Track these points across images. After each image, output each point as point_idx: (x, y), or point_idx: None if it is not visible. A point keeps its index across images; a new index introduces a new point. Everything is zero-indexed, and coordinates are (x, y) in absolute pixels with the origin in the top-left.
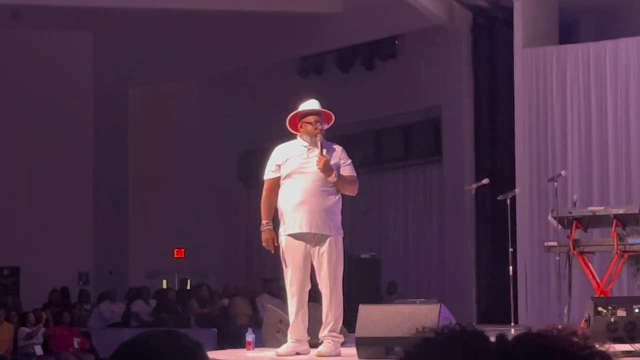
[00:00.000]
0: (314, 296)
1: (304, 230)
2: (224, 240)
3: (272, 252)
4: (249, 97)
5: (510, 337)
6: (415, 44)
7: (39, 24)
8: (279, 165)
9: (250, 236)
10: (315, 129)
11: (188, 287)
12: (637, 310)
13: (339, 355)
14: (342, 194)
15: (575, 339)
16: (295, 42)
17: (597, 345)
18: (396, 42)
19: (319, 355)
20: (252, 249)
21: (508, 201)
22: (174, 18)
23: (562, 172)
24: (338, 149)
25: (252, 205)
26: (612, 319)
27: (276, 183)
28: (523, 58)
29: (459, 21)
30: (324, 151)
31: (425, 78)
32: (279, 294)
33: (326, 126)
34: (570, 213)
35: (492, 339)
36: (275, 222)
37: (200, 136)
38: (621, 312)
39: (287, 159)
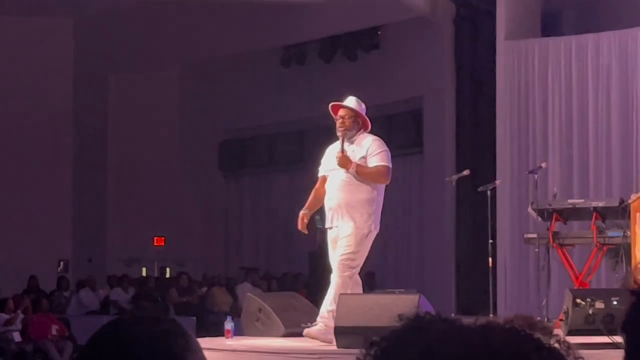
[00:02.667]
0: (294, 285)
1: (328, 226)
2: (203, 228)
3: (305, 232)
4: (230, 85)
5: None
6: (397, 35)
7: (20, 10)
8: (322, 164)
9: (230, 225)
10: (341, 125)
11: (167, 276)
12: (615, 303)
13: (329, 342)
14: (380, 190)
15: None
16: (277, 31)
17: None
18: (379, 32)
19: (307, 335)
20: (231, 238)
21: (488, 193)
22: (155, 5)
23: (543, 165)
24: (369, 140)
25: (232, 193)
26: (590, 311)
27: (321, 180)
28: (505, 50)
29: (442, 13)
30: (345, 146)
31: (407, 69)
32: (259, 283)
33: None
34: (550, 205)
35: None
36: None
37: (180, 124)
38: (599, 304)
39: (327, 157)
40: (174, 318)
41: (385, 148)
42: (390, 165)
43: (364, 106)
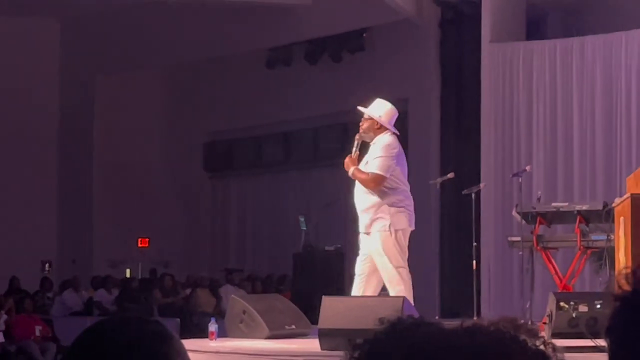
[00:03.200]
0: (279, 287)
1: (359, 231)
2: (188, 230)
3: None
4: (216, 87)
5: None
6: (383, 37)
7: (6, 11)
8: None
9: (214, 226)
10: (359, 128)
11: (151, 277)
12: (598, 306)
13: None
14: (404, 187)
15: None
16: (263, 33)
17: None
18: (364, 35)
19: None
20: (216, 239)
21: (473, 196)
22: (142, 6)
23: (527, 168)
24: (382, 142)
25: (217, 195)
26: (574, 314)
27: None
28: (490, 53)
29: (427, 15)
30: (355, 150)
31: (392, 72)
32: (243, 284)
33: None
34: (534, 208)
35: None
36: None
37: (166, 125)
38: (583, 308)
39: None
40: (157, 320)
41: (388, 153)
42: (383, 173)
43: (386, 108)
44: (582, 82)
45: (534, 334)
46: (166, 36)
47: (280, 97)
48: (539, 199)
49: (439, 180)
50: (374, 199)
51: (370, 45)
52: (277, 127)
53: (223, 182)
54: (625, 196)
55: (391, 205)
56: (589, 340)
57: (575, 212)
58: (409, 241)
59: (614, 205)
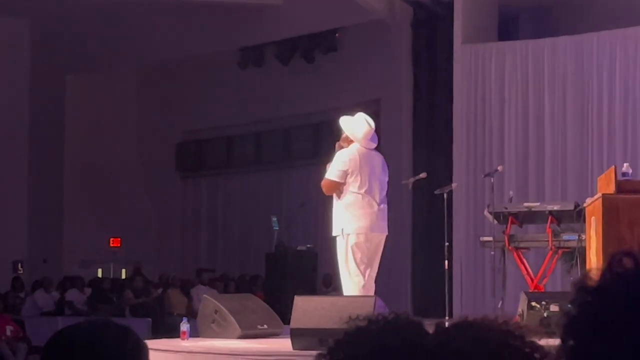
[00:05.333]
0: (251, 288)
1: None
2: (159, 230)
3: None
4: (187, 87)
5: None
6: (355, 37)
7: None
8: None
9: (186, 226)
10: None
11: (123, 277)
12: (570, 306)
13: None
14: (358, 193)
15: (509, 328)
16: (234, 33)
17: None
18: (336, 35)
19: None
20: (187, 239)
21: (445, 196)
22: (113, 6)
23: (499, 168)
24: (340, 153)
25: (189, 195)
26: (545, 314)
27: None
28: (462, 54)
29: (400, 16)
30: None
31: (364, 72)
32: (214, 284)
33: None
34: (506, 208)
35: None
36: None
37: (137, 125)
38: (554, 307)
39: None
40: (125, 325)
41: (341, 160)
42: (333, 178)
43: (361, 124)
44: (553, 83)
45: (524, 336)
46: (138, 35)
47: (252, 98)
48: (510, 199)
49: (411, 180)
50: (335, 203)
51: (342, 46)
52: (249, 127)
53: (195, 182)
54: (596, 196)
55: (346, 210)
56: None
57: (547, 212)
58: (384, 244)
59: (585, 205)
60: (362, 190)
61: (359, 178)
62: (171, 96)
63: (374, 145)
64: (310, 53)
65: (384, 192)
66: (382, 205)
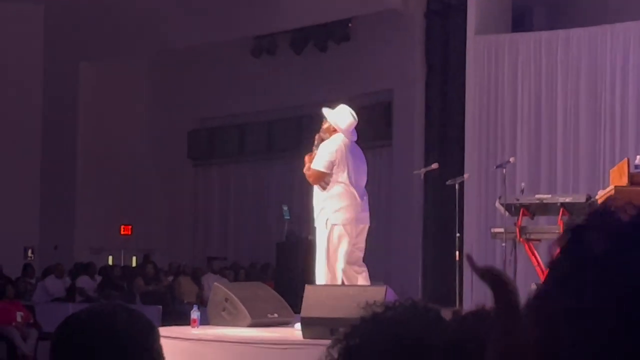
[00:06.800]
0: (262, 276)
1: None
2: (171, 218)
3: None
4: (200, 75)
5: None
6: (368, 27)
7: None
8: None
9: (197, 214)
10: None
11: (133, 264)
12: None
13: None
14: (343, 184)
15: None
16: (248, 22)
17: None
18: (350, 24)
19: None
20: (198, 228)
21: (456, 186)
22: None
23: (511, 159)
24: (326, 144)
25: (200, 183)
26: None
27: None
28: (475, 45)
29: (413, 6)
30: (315, 148)
31: (377, 62)
32: (225, 273)
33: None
34: (518, 200)
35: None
36: None
37: (150, 112)
38: None
39: None
40: (140, 311)
41: (329, 151)
42: (320, 169)
43: (344, 115)
44: (566, 75)
45: None
46: (151, 23)
47: (265, 86)
48: (522, 191)
49: (423, 170)
50: (319, 194)
51: (355, 35)
52: (261, 115)
53: (206, 170)
54: (608, 188)
55: (332, 201)
56: None
57: (559, 204)
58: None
59: (597, 197)
60: (348, 182)
61: (345, 169)
62: (184, 84)
63: (355, 138)
64: (323, 42)
65: (364, 184)
66: (365, 197)
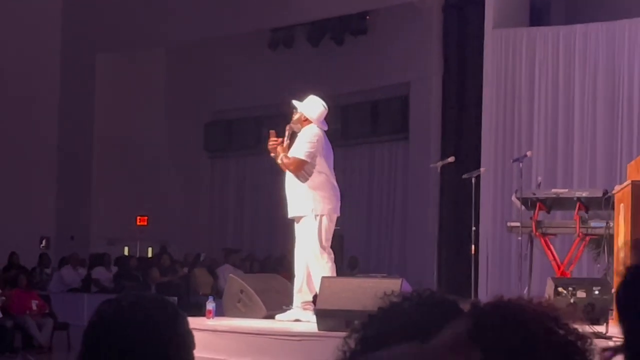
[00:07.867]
0: (277, 268)
1: (288, 216)
2: (187, 209)
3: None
4: (217, 67)
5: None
6: (386, 20)
7: None
8: None
9: (213, 206)
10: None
11: (149, 255)
12: (596, 292)
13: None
14: (324, 174)
15: (545, 309)
16: (266, 14)
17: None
18: (367, 18)
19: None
20: (214, 219)
21: (473, 180)
22: None
23: (528, 153)
24: (303, 134)
25: (216, 175)
26: (571, 300)
27: None
28: (493, 39)
29: (431, 0)
30: (286, 139)
31: (394, 55)
32: (241, 264)
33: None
34: (534, 194)
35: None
36: None
37: (167, 104)
38: (581, 294)
39: None
40: (166, 298)
41: (309, 140)
42: (302, 157)
43: (315, 105)
44: (584, 69)
45: (559, 318)
46: (169, 15)
47: (282, 79)
48: (538, 185)
49: (439, 163)
50: (299, 184)
51: (372, 28)
52: (278, 108)
53: (223, 162)
54: (625, 183)
55: (316, 191)
56: (586, 326)
57: (575, 199)
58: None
59: (614, 192)
60: (327, 171)
61: (323, 159)
62: (201, 76)
63: (327, 127)
64: (340, 35)
65: None
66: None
